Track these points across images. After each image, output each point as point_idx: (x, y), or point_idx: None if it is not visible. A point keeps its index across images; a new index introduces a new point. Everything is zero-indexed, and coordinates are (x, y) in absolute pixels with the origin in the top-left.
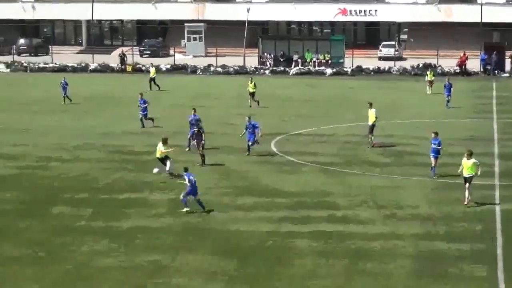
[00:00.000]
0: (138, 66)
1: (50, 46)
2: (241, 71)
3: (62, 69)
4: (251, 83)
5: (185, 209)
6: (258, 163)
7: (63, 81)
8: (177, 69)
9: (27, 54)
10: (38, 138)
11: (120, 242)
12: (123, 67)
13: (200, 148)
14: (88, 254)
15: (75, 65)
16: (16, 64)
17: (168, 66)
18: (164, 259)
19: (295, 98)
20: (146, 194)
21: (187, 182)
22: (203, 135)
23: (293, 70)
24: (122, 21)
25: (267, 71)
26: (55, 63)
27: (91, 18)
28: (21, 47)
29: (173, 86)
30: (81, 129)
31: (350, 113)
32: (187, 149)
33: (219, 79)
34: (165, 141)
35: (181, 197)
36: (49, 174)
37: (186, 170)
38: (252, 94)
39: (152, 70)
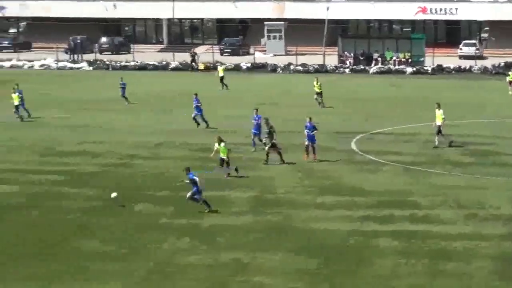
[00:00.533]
0: (209, 64)
1: (131, 45)
2: (321, 69)
3: (143, 67)
4: (317, 84)
5: (207, 209)
6: (339, 162)
7: (121, 82)
8: (257, 67)
9: (109, 53)
10: (120, 136)
11: (201, 240)
12: (194, 65)
13: (272, 147)
14: (170, 251)
15: (156, 64)
16: (98, 62)
17: (248, 65)
18: (245, 257)
19: (376, 97)
20: (226, 192)
21: (195, 181)
22: (274, 134)
23: (373, 68)
24: (202, 19)
25: (347, 70)
26: (136, 61)
27: (172, 17)
28: (103, 46)
29: (253, 85)
30: (161, 127)
31: (431, 112)
32: (253, 150)
33: (299, 77)
34: (220, 141)
35: (196, 197)
36: (131, 172)
37: (188, 170)
38: (319, 94)
39: (220, 69)
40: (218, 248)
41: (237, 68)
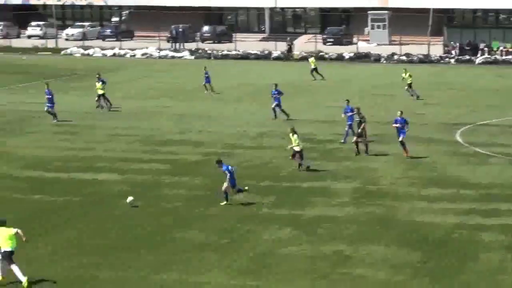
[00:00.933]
0: (304, 54)
1: (233, 34)
2: (425, 59)
3: (245, 56)
4: (405, 74)
5: (224, 202)
6: (444, 154)
7: (205, 71)
8: (360, 57)
9: (211, 42)
10: (223, 125)
11: (303, 231)
12: (289, 55)
13: (362, 137)
14: (272, 241)
15: (258, 53)
16: (200, 51)
17: (351, 55)
18: (347, 249)
19: (481, 88)
20: (329, 183)
21: (227, 174)
22: (363, 124)
23: (479, 59)
24: (305, 8)
25: (452, 60)
26: (238, 51)
27: (274, 6)
28: (205, 34)
29: (356, 75)
30: (264, 116)
31: None
32: (342, 141)
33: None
34: (293, 132)
35: (223, 189)
36: (233, 162)
37: (219, 162)
38: (410, 85)
39: (311, 60)
40: (320, 239)
41: (339, 58)
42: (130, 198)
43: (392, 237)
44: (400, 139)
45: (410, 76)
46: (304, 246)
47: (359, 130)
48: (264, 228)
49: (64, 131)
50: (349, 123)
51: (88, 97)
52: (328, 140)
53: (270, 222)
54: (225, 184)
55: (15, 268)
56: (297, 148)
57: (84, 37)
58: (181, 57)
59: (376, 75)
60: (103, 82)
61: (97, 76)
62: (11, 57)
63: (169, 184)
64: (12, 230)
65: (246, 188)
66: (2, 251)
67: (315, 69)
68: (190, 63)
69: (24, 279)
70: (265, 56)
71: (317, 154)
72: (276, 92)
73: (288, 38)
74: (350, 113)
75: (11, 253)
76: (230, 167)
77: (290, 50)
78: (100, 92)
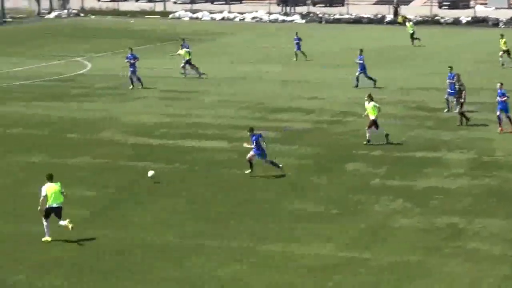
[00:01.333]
0: (408, 17)
1: None
2: None
3: (358, 20)
4: (502, 40)
5: (248, 171)
6: None
7: (296, 37)
8: (477, 21)
9: (322, 5)
10: (333, 92)
11: (415, 202)
12: (395, 18)
13: (459, 107)
14: (383, 213)
15: (371, 17)
16: (311, 15)
17: (469, 19)
18: (461, 222)
19: None
20: (443, 153)
21: (253, 143)
22: (463, 93)
23: None
24: None
25: None
26: (351, 15)
27: None
28: None
29: (472, 40)
30: (380, 83)
31: None
32: (445, 110)
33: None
34: (370, 99)
35: (247, 156)
36: (345, 130)
37: (251, 130)
38: (507, 52)
39: (409, 25)
40: (432, 211)
41: (456, 22)
42: (151, 173)
43: (509, 211)
44: (498, 113)
45: (505, 43)
46: (416, 218)
47: (461, 99)
48: (375, 199)
49: (170, 97)
50: (449, 91)
51: (195, 62)
52: (441, 108)
53: (381, 193)
54: (251, 153)
55: (63, 223)
56: (372, 117)
57: (192, 0)
58: (292, 21)
59: (493, 41)
60: (187, 48)
61: (183, 40)
62: (119, 20)
63: (279, 152)
64: (59, 186)
65: (281, 165)
66: (55, 206)
67: (412, 34)
68: (300, 27)
69: (68, 224)
70: (378, 20)
71: (432, 122)
72: (360, 58)
73: (395, 1)
74: (451, 80)
75: (61, 208)
76: (256, 137)
77: (396, 13)
78: (186, 58)
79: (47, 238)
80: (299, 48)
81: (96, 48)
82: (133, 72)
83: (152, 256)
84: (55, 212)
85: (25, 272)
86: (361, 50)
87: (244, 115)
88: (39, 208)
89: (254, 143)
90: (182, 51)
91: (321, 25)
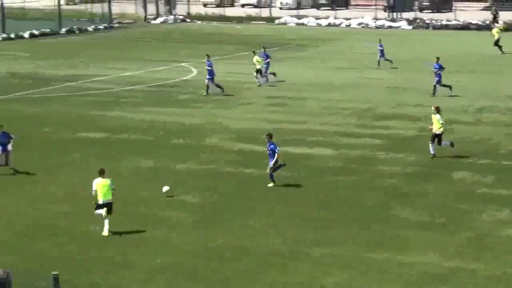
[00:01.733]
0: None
1: (453, 2)
2: None
3: (465, 27)
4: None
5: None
6: None
7: (379, 44)
8: None
9: (429, 11)
10: (437, 99)
11: None
12: (493, 25)
13: None
14: (490, 223)
15: (479, 23)
16: (417, 21)
17: None
18: None
19: None
20: None
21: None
22: None
23: None
24: None
25: None
26: (458, 20)
27: None
28: (423, 3)
29: None
30: (486, 90)
31: None
32: None
33: None
34: (437, 111)
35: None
36: (450, 138)
37: (270, 138)
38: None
39: (494, 31)
40: None
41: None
42: (166, 188)
43: None
44: None
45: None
46: None
47: None
48: (482, 208)
49: (275, 103)
50: None
51: (300, 68)
52: None
53: (489, 202)
54: (271, 163)
55: (107, 221)
56: (437, 131)
57: (298, 6)
58: (398, 27)
59: None
60: (265, 57)
61: (263, 47)
62: (225, 26)
63: (384, 159)
64: (109, 181)
65: (284, 163)
66: (103, 202)
67: (497, 41)
68: (407, 34)
69: (106, 232)
70: (487, 27)
71: None
72: (437, 67)
73: (493, 8)
74: None
75: (110, 204)
76: (274, 146)
77: (495, 19)
78: (258, 67)
79: (105, 233)
80: (382, 55)
81: (202, 54)
82: (210, 79)
83: (254, 263)
84: (105, 208)
85: (132, 278)
86: (438, 58)
87: (350, 122)
88: (93, 202)
89: (271, 152)
90: (255, 59)
91: (428, 31)
